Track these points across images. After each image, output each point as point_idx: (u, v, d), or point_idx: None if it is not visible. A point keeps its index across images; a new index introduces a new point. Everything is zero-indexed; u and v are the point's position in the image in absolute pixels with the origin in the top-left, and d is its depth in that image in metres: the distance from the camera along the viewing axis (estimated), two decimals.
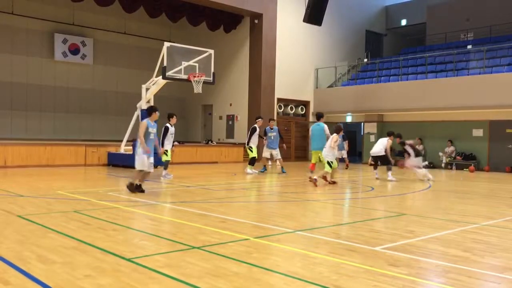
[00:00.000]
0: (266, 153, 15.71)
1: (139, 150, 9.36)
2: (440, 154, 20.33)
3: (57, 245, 5.04)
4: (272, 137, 15.56)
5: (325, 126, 12.91)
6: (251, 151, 15.23)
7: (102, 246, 5.02)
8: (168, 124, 12.96)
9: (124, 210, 7.53)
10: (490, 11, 24.27)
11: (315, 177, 11.68)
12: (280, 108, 23.53)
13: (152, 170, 9.76)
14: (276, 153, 15.65)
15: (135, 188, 9.55)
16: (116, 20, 23.58)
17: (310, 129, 13.51)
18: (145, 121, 9.56)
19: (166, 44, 15.88)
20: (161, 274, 4.10)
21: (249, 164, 15.17)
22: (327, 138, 12.32)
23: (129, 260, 4.53)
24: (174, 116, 13.15)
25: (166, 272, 4.15)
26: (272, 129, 15.73)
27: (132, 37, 24.38)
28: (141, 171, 9.49)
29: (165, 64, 15.58)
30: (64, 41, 22.58)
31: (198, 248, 5.07)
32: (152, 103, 17.04)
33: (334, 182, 12.15)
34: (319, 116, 13.41)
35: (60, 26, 22.47)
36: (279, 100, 23.21)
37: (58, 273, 4.11)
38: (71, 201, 8.50)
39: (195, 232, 5.99)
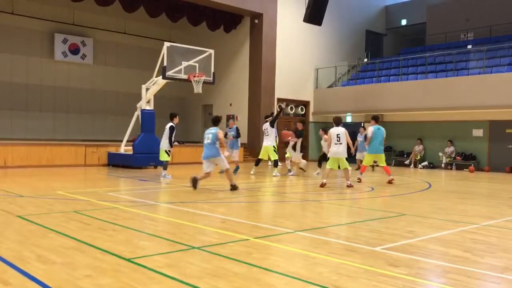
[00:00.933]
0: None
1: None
2: (440, 154, 20.33)
3: (57, 245, 5.04)
4: (231, 136, 15.18)
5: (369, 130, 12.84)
6: (275, 152, 14.69)
7: (102, 246, 5.01)
8: (173, 124, 13.03)
9: (124, 210, 7.53)
10: (490, 11, 24.27)
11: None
12: (280, 108, 23.48)
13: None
14: (234, 155, 15.07)
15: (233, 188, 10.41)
16: (116, 20, 23.58)
17: (371, 131, 12.83)
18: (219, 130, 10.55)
19: (166, 44, 15.90)
20: (161, 274, 4.10)
21: (274, 166, 14.89)
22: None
23: (129, 260, 4.53)
24: (177, 116, 13.25)
25: (166, 272, 4.15)
26: (231, 128, 15.37)
27: (132, 37, 24.37)
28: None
29: (165, 64, 15.59)
30: (64, 41, 22.59)
31: (198, 248, 5.07)
32: (152, 103, 17.08)
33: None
34: (377, 119, 13.07)
35: (60, 26, 22.47)
36: (279, 100, 23.21)
37: (58, 273, 4.11)
38: (71, 201, 8.50)
39: (195, 232, 5.99)
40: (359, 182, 12.75)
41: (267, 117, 15.46)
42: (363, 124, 19.24)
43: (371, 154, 13.04)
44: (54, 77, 22.59)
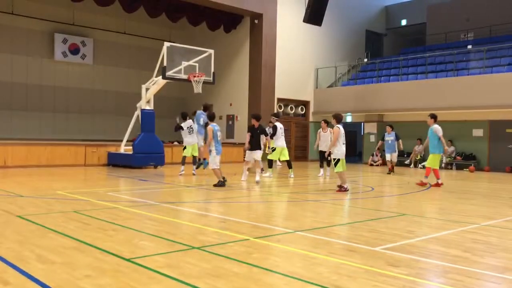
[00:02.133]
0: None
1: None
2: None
3: (57, 245, 5.04)
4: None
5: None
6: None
7: (102, 246, 5.01)
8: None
9: (124, 210, 7.53)
10: (490, 11, 24.28)
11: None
12: (280, 108, 23.52)
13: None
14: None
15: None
16: (116, 20, 23.58)
17: (440, 129, 12.13)
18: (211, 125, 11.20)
19: (166, 44, 15.89)
20: (161, 274, 4.10)
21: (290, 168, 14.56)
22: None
23: (129, 260, 4.53)
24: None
25: (166, 272, 4.14)
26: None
27: (132, 37, 24.37)
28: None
29: (165, 64, 15.59)
30: (64, 41, 22.59)
31: (198, 248, 5.07)
32: (152, 103, 17.09)
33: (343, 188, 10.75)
34: (436, 117, 12.39)
35: (60, 26, 22.47)
36: (279, 100, 23.21)
37: (58, 273, 4.10)
38: (71, 201, 8.50)
39: (195, 232, 5.99)
40: (437, 185, 12.02)
41: (277, 116, 14.96)
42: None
43: (439, 154, 12.30)
44: (54, 77, 22.58)
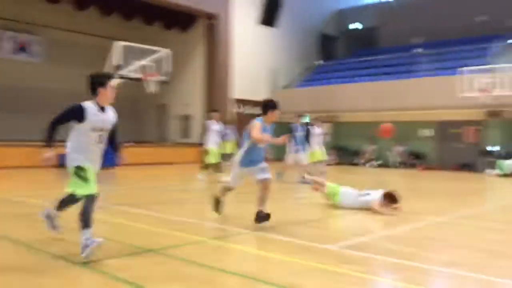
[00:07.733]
0: None
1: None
2: (391, 153, 20.92)
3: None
4: None
5: None
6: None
7: (53, 250, 4.83)
8: None
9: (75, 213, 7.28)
10: (438, 16, 25.28)
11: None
12: (239, 108, 23.49)
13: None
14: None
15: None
16: (67, 18, 22.84)
17: None
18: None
19: (119, 42, 15.59)
20: (114, 279, 3.99)
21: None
22: None
23: (81, 265, 4.39)
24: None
25: (120, 276, 4.04)
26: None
27: (84, 35, 23.65)
28: None
29: (117, 63, 15.28)
30: (12, 38, 21.75)
31: (152, 251, 4.97)
32: None
33: None
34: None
35: (8, 23, 21.55)
36: (238, 101, 23.20)
37: None
38: (21, 204, 8.14)
39: (149, 235, 5.88)
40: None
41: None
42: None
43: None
44: (1, 76, 21.62)
